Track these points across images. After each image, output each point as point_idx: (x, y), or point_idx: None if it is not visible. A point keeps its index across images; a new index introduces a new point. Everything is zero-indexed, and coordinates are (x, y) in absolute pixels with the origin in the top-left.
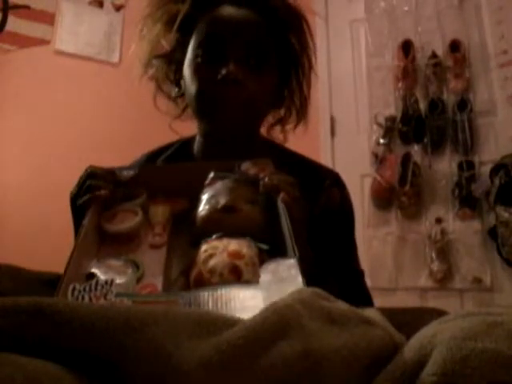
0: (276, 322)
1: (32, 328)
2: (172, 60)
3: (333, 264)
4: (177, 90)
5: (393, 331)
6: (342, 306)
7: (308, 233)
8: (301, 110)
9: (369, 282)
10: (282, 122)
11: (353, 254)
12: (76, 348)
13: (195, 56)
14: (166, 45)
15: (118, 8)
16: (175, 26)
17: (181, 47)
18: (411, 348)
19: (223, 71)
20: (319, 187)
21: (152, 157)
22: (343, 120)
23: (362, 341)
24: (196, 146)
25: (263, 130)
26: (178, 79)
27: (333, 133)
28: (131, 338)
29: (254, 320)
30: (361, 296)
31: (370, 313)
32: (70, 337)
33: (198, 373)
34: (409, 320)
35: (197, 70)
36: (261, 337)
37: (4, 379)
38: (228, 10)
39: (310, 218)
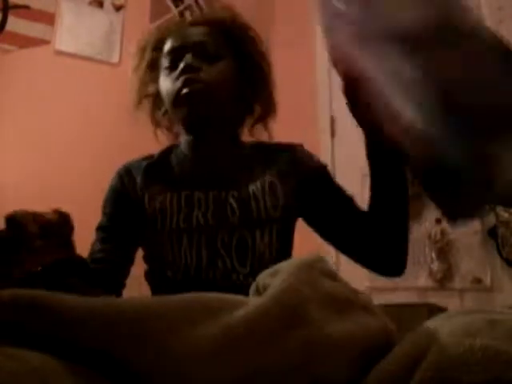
0: (282, 309)
1: (31, 322)
2: (158, 95)
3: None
4: (164, 110)
5: (387, 320)
6: (343, 287)
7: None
8: (269, 105)
9: (369, 281)
10: (259, 120)
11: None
12: (75, 341)
13: (163, 69)
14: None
15: (118, 8)
16: (141, 71)
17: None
18: (410, 342)
19: (181, 64)
20: (292, 159)
21: (146, 164)
22: (343, 120)
23: (360, 330)
24: (183, 145)
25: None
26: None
27: (333, 133)
28: (129, 330)
29: (261, 305)
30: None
31: (366, 298)
32: (67, 331)
33: (195, 363)
34: (405, 316)
35: (165, 76)
36: (265, 326)
37: (9, 373)
38: (184, 29)
39: (300, 184)
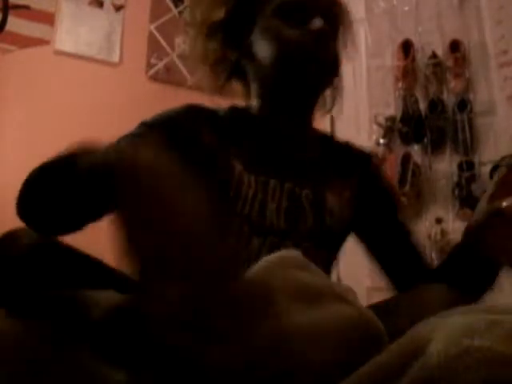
0: (253, 300)
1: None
2: (230, 27)
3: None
4: (237, 53)
5: (362, 308)
6: (319, 279)
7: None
8: (336, 95)
9: (369, 281)
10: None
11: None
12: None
13: (274, 20)
14: (219, 13)
15: (118, 8)
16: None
17: (238, 16)
18: (407, 341)
19: (314, 25)
20: (371, 172)
21: (201, 111)
22: (343, 120)
23: (330, 318)
24: (254, 108)
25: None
26: (237, 44)
27: (333, 133)
28: None
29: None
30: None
31: (341, 288)
32: None
33: None
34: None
35: (279, 30)
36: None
37: None
38: None
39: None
